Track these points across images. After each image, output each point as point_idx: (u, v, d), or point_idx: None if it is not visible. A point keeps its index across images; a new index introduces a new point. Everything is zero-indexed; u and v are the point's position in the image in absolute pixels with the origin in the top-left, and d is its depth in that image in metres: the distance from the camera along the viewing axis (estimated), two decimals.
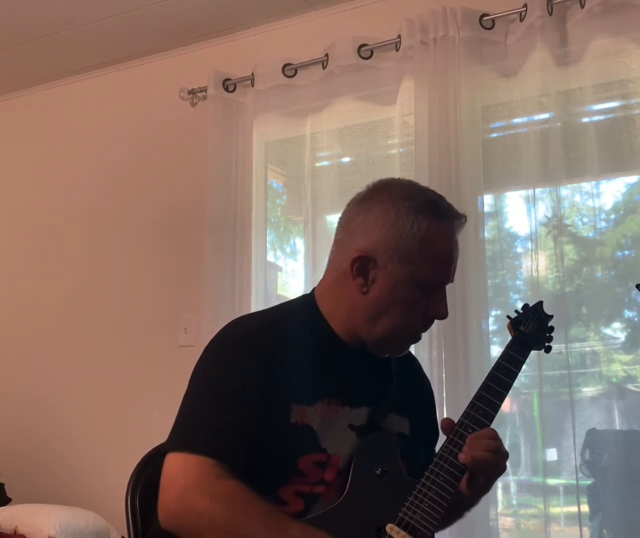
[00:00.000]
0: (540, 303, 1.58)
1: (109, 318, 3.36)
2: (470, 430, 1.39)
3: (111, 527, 2.97)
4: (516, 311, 1.56)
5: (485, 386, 1.44)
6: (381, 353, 1.46)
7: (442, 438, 1.44)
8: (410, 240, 1.36)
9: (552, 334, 1.56)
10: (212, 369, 1.37)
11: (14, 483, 3.23)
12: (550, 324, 1.56)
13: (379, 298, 1.38)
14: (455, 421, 1.42)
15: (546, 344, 1.56)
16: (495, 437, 1.39)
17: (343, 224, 1.46)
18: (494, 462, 1.37)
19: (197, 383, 1.37)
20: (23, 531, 2.80)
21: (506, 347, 1.50)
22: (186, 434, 1.31)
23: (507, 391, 1.44)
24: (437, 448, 1.43)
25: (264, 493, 1.27)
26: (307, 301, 1.48)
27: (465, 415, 1.41)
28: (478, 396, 1.43)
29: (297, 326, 1.42)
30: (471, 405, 1.42)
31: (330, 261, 1.47)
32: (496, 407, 1.42)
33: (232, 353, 1.36)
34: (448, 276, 1.42)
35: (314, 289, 1.51)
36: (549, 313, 1.57)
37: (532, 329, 1.52)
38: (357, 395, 1.41)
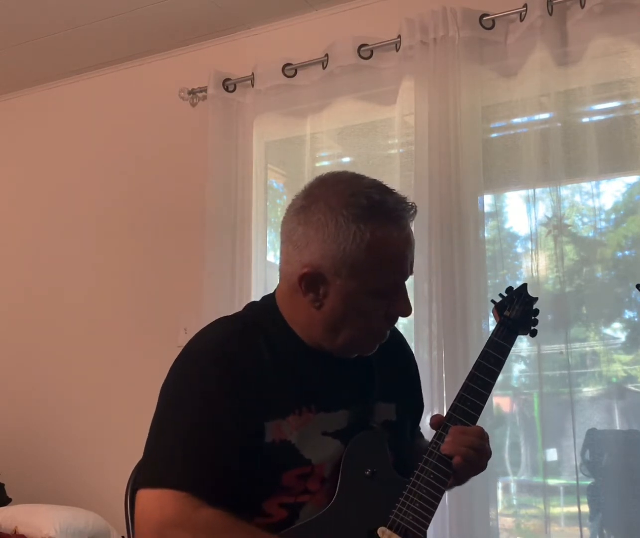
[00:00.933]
0: (524, 286, 1.54)
1: (108, 318, 3.36)
2: (458, 424, 1.37)
3: (111, 527, 2.97)
4: (500, 294, 1.53)
5: (472, 376, 1.41)
6: (349, 356, 1.40)
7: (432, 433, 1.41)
8: (355, 252, 1.28)
9: (537, 317, 1.53)
10: (177, 395, 1.32)
11: (14, 483, 3.23)
12: (535, 307, 1.53)
13: (333, 312, 1.32)
14: (444, 415, 1.40)
15: (531, 328, 1.52)
16: (481, 436, 1.38)
17: (285, 232, 1.37)
18: (475, 461, 1.36)
19: (164, 411, 1.32)
20: (23, 531, 2.80)
21: (492, 334, 1.47)
22: (158, 469, 1.26)
23: (494, 380, 1.42)
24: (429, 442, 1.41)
25: (246, 508, 1.25)
26: (269, 306, 1.41)
27: (454, 407, 1.40)
28: (465, 387, 1.41)
29: (263, 336, 1.35)
30: (459, 397, 1.40)
31: (281, 270, 1.40)
32: (484, 397, 1.40)
33: (197, 376, 1.31)
34: (403, 275, 1.35)
35: (275, 290, 1.44)
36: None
37: (517, 313, 1.49)
38: (332, 399, 1.36)
